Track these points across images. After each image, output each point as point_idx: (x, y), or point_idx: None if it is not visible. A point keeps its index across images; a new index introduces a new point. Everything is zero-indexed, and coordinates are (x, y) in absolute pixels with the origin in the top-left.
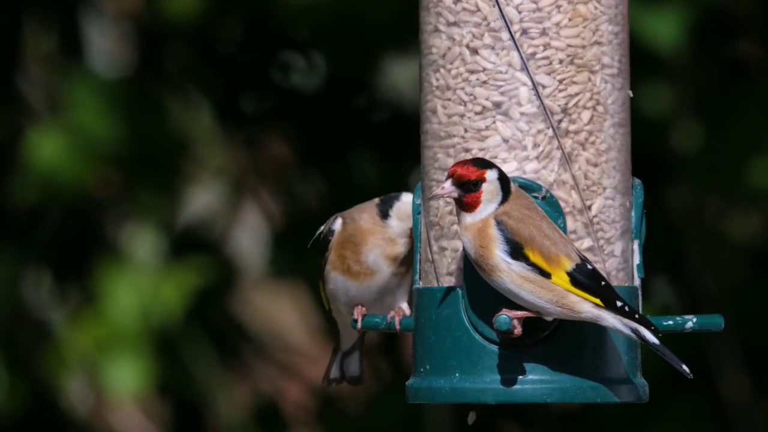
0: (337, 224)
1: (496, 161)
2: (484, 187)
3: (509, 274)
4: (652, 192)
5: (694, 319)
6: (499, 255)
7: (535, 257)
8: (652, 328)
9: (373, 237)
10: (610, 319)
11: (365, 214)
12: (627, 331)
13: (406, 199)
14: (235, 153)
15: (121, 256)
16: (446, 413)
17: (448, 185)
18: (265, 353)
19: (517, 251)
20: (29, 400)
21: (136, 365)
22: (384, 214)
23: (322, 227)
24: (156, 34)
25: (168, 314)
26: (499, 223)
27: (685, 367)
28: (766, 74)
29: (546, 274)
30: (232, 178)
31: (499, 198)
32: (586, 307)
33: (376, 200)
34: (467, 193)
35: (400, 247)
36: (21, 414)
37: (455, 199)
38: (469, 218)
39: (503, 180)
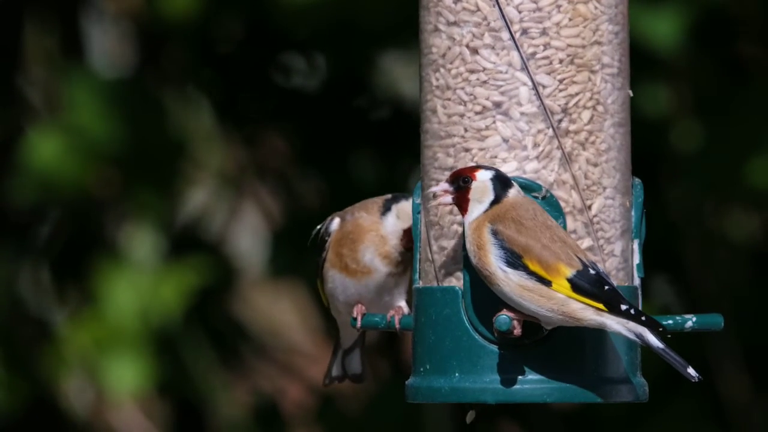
0: (335, 224)
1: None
2: (473, 185)
3: (507, 283)
4: (652, 191)
5: (694, 319)
6: (495, 263)
7: (534, 266)
8: (660, 329)
9: (370, 235)
10: (614, 326)
11: (364, 212)
12: (632, 336)
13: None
14: (235, 152)
15: (121, 256)
16: (446, 413)
17: (443, 183)
18: (265, 353)
19: (514, 260)
20: (29, 399)
21: (135, 365)
22: (385, 210)
23: (319, 226)
24: (156, 34)
25: (167, 314)
26: (495, 233)
27: (690, 370)
28: (766, 74)
29: (546, 282)
30: (232, 178)
31: (489, 198)
32: (588, 314)
33: (385, 196)
34: (458, 191)
35: (390, 247)
36: (21, 414)
37: (452, 202)
38: (465, 220)
39: (499, 182)
